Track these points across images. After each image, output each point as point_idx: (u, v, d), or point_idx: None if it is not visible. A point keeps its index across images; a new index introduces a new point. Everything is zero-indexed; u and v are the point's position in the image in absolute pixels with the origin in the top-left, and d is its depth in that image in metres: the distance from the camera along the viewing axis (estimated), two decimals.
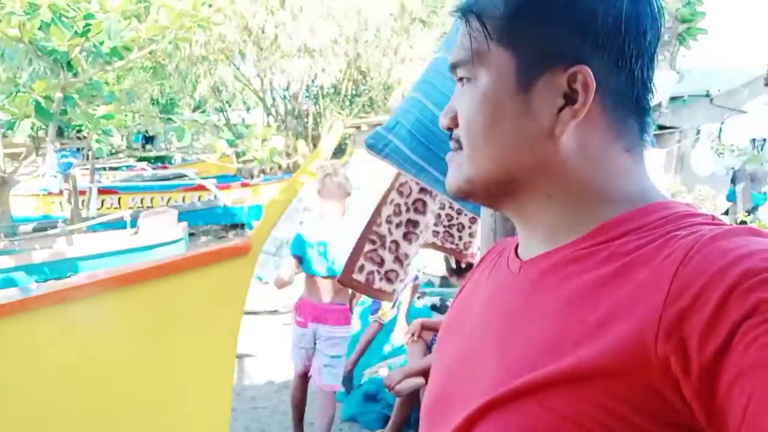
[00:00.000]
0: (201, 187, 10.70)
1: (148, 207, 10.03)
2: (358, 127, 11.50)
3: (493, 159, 0.63)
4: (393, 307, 4.14)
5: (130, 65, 6.17)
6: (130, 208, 9.63)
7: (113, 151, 7.48)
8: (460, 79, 0.66)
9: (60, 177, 6.04)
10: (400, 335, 4.28)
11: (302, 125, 14.98)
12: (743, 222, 5.46)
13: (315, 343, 3.39)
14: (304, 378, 3.47)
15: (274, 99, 15.42)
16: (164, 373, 1.87)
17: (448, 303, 3.05)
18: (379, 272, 2.03)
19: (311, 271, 3.34)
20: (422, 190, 1.97)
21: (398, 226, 2.00)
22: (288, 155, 11.59)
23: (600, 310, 0.54)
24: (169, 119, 7.59)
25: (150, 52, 5.90)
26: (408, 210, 1.99)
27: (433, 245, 2.23)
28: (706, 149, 6.13)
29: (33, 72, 5.29)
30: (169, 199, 10.93)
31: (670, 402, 0.49)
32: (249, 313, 6.06)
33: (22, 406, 1.65)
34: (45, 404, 1.68)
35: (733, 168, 6.53)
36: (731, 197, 6.85)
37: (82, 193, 8.88)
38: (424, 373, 2.58)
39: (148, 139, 16.09)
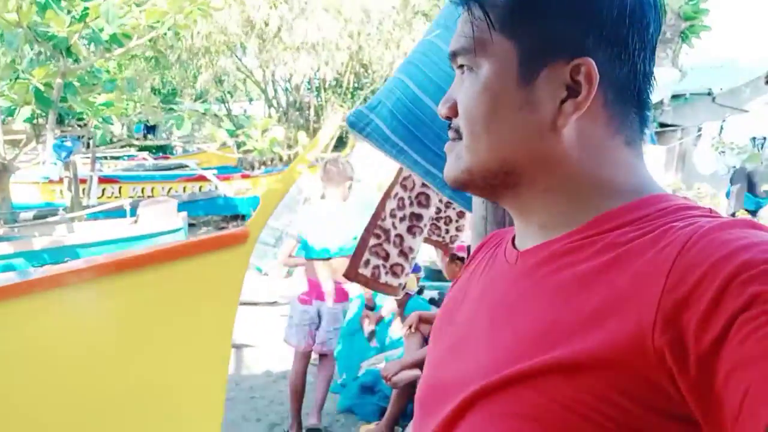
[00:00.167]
0: (202, 178, 10.69)
1: (148, 196, 10.01)
2: None
3: (493, 150, 0.62)
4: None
5: (131, 53, 6.16)
6: (131, 197, 9.62)
7: (113, 139, 7.46)
8: (460, 67, 0.65)
9: (60, 165, 6.04)
10: (397, 328, 4.29)
11: (304, 117, 14.96)
12: None
13: (318, 320, 3.65)
14: (306, 357, 3.68)
15: (275, 91, 15.40)
16: (160, 359, 1.87)
17: None
18: (384, 266, 2.04)
19: (310, 253, 3.56)
20: (425, 183, 1.97)
21: (402, 219, 2.00)
22: (289, 147, 11.57)
23: (595, 300, 0.53)
24: (171, 109, 7.59)
25: (151, 41, 5.89)
26: (411, 204, 1.99)
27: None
28: (708, 147, 6.12)
29: (33, 58, 5.28)
30: (169, 189, 10.93)
31: (667, 392, 0.48)
32: (248, 303, 6.08)
33: (17, 389, 1.66)
34: (39, 388, 1.69)
35: (734, 167, 6.53)
36: (729, 196, 6.85)
37: (83, 181, 8.88)
38: (421, 365, 2.58)
39: (150, 129, 16.08)
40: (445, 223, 2.17)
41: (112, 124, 6.33)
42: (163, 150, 16.75)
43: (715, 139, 5.86)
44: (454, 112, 0.66)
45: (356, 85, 16.01)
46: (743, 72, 7.83)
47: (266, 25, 11.42)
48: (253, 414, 3.87)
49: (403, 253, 2.02)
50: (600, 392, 0.50)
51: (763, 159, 6.00)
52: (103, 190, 10.22)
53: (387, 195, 2.03)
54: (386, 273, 2.05)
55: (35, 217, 6.46)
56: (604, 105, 0.61)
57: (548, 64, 0.59)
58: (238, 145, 9.14)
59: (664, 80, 6.88)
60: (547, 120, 0.60)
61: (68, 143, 6.02)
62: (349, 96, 15.58)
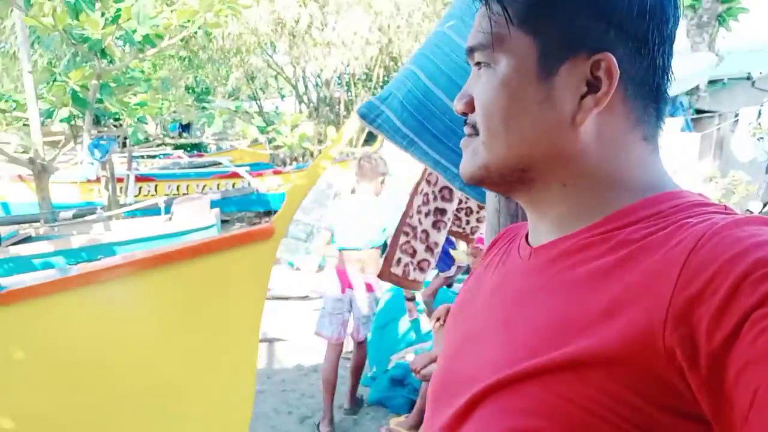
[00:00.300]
0: (235, 175, 10.81)
1: (183, 194, 10.18)
2: None
3: (512, 146, 0.62)
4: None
5: (163, 53, 6.27)
6: (167, 195, 9.78)
7: (148, 138, 7.62)
8: (477, 64, 0.65)
9: (97, 164, 6.20)
10: (426, 321, 4.31)
11: (334, 113, 15.02)
12: None
13: (350, 308, 3.82)
14: (338, 349, 3.82)
15: (306, 87, 15.49)
16: (190, 352, 1.92)
17: None
18: (412, 263, 2.05)
19: (340, 245, 3.75)
20: None
21: (427, 215, 2.01)
22: (319, 142, 11.62)
23: (607, 296, 0.53)
24: (203, 107, 7.71)
25: (183, 41, 5.98)
26: (435, 198, 2.00)
27: None
28: (746, 134, 5.94)
29: (69, 61, 5.42)
30: (204, 187, 11.07)
31: (677, 390, 0.48)
32: (280, 298, 6.15)
33: (60, 379, 1.72)
34: (79, 378, 1.75)
35: None
36: None
37: (120, 180, 9.08)
38: None
39: (185, 128, 16.35)
40: (466, 214, 2.17)
41: (146, 123, 6.47)
42: (198, 148, 17.00)
43: (752, 125, 5.68)
44: (470, 107, 0.65)
45: (386, 78, 15.99)
46: None
47: (296, 23, 11.48)
48: (285, 407, 3.93)
49: (429, 249, 2.03)
50: (609, 389, 0.50)
51: None
52: (140, 189, 10.41)
53: (414, 192, 2.04)
54: (414, 269, 2.06)
55: (75, 216, 6.64)
56: (623, 100, 0.61)
57: (568, 59, 0.59)
58: (270, 142, 9.23)
59: (701, 65, 6.69)
60: (566, 115, 0.60)
61: (104, 143, 6.17)
62: (379, 90, 15.57)
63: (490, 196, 1.33)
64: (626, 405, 0.50)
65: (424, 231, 2.02)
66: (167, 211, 6.21)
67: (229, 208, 9.72)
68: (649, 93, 0.62)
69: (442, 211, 2.00)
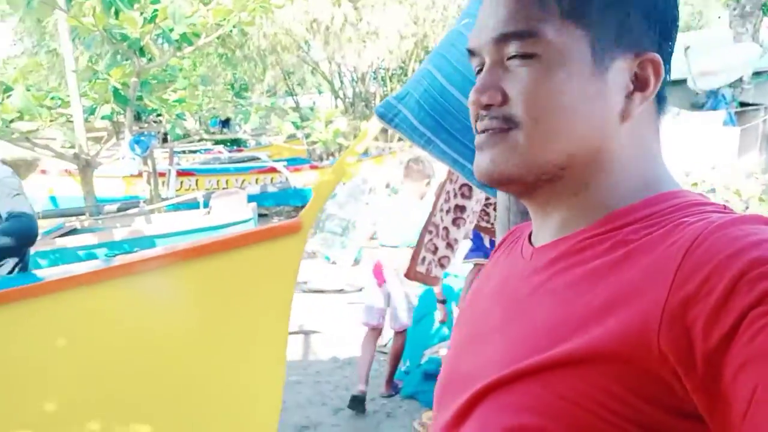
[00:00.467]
0: (273, 170, 10.97)
1: (223, 188, 10.39)
2: None
3: (561, 142, 0.60)
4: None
5: (200, 50, 6.40)
6: (207, 189, 9.99)
7: (187, 134, 7.80)
8: (514, 53, 0.61)
9: (138, 160, 6.38)
10: None
11: (369, 108, 15.07)
12: None
13: (389, 300, 3.97)
14: (375, 334, 4.04)
15: (342, 82, 15.57)
16: (221, 342, 1.97)
17: None
18: (434, 260, 2.07)
19: (381, 242, 3.98)
20: None
21: (448, 212, 2.03)
22: (354, 137, 11.70)
23: (604, 295, 0.54)
24: (239, 104, 7.85)
25: (220, 39, 6.09)
26: (456, 195, 2.01)
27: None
28: None
29: (110, 59, 5.59)
30: (243, 181, 11.27)
31: (672, 388, 0.48)
32: (316, 291, 6.24)
33: (97, 366, 1.79)
34: (114, 366, 1.82)
35: None
36: None
37: (162, 174, 9.32)
38: None
39: (224, 123, 16.63)
40: (495, 209, 2.17)
41: (185, 119, 6.62)
42: (238, 143, 17.27)
43: None
44: (502, 99, 0.61)
45: None
46: None
47: (331, 22, 11.55)
48: (319, 398, 3.99)
49: (449, 245, 2.05)
50: (605, 387, 0.50)
51: None
52: (181, 183, 10.66)
53: (440, 191, 2.06)
54: (435, 266, 2.08)
55: (119, 209, 6.85)
56: (655, 100, 0.63)
57: (620, 55, 0.60)
58: (306, 137, 9.34)
59: (744, 56, 6.49)
60: (615, 113, 0.60)
61: (144, 139, 6.35)
62: None
63: (501, 194, 1.33)
64: (622, 402, 0.50)
65: (445, 228, 2.04)
66: (206, 205, 6.35)
67: (267, 202, 9.88)
68: (665, 92, 0.64)
69: (462, 208, 2.01)
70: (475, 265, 4.55)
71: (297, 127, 7.76)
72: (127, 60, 5.54)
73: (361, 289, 6.16)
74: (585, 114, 0.60)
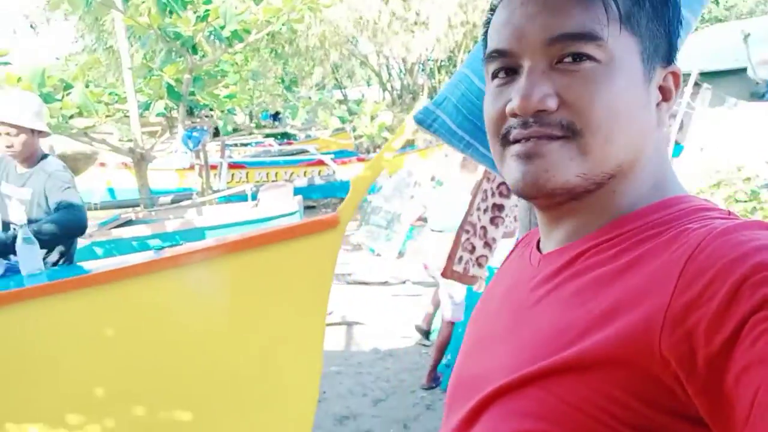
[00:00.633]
0: (321, 162, 11.09)
1: (272, 181, 10.59)
2: None
3: (618, 149, 0.59)
4: None
5: (251, 47, 6.54)
6: (257, 182, 10.19)
7: (237, 128, 7.99)
8: (570, 57, 0.59)
9: (190, 153, 6.58)
10: None
11: (417, 100, 15.04)
12: None
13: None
14: (448, 326, 4.10)
15: (389, 75, 15.59)
16: (259, 335, 2.03)
17: None
18: (471, 259, 2.08)
19: (431, 227, 4.17)
20: None
21: (485, 211, 2.03)
22: None
23: (608, 301, 0.54)
24: (288, 98, 7.99)
25: (271, 36, 6.21)
26: (494, 194, 2.01)
27: None
28: None
29: (165, 56, 5.78)
30: (291, 174, 11.44)
31: (674, 393, 0.49)
32: (360, 283, 6.31)
33: (141, 356, 1.89)
34: (158, 356, 1.91)
35: None
36: None
37: (214, 167, 9.57)
38: None
39: (275, 116, 16.90)
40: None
41: (235, 114, 6.78)
42: (288, 136, 17.54)
43: None
44: (558, 104, 0.59)
45: None
46: None
47: (378, 19, 11.57)
48: (360, 389, 4.05)
49: (487, 244, 2.05)
50: (607, 391, 0.51)
51: None
52: (233, 175, 10.90)
53: (476, 189, 2.06)
54: (473, 265, 2.09)
55: (173, 201, 7.09)
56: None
57: (657, 66, 0.62)
58: (353, 130, 9.42)
59: None
60: (654, 121, 0.62)
61: (197, 134, 6.55)
62: None
63: None
64: (624, 407, 0.50)
65: (483, 227, 2.04)
66: (254, 197, 6.50)
67: (314, 194, 10.01)
68: None
69: (500, 207, 2.01)
70: None
71: (343, 122, 7.85)
72: (180, 57, 5.72)
73: (404, 282, 6.21)
74: (638, 122, 0.60)
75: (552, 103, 0.58)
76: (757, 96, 7.40)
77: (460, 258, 2.09)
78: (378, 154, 2.24)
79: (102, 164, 10.38)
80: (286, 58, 12.17)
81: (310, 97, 8.35)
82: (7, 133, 2.61)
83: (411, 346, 4.71)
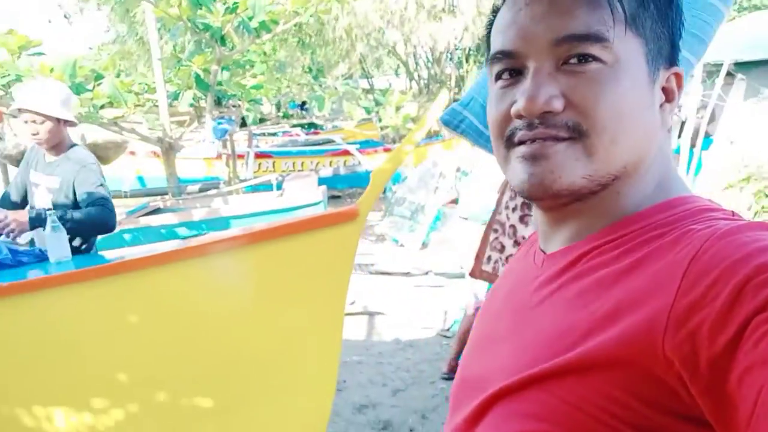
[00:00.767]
0: (346, 152, 11.14)
1: (299, 170, 10.67)
2: None
3: (624, 150, 0.59)
4: None
5: (278, 37, 6.60)
6: (283, 171, 10.27)
7: (263, 118, 8.07)
8: (576, 58, 0.59)
9: (217, 143, 6.67)
10: None
11: (445, 90, 14.96)
12: None
13: None
14: (469, 318, 4.16)
15: (417, 64, 15.52)
16: (280, 324, 2.06)
17: None
18: (501, 259, 2.08)
19: (461, 214, 4.31)
20: None
21: (514, 209, 2.02)
22: None
23: (611, 302, 0.54)
24: (313, 88, 8.04)
25: (298, 27, 6.25)
26: None
27: None
28: None
29: (194, 46, 5.86)
30: (317, 163, 11.50)
31: (677, 394, 0.49)
32: (382, 273, 6.33)
33: (164, 343, 1.94)
34: (181, 343, 1.96)
35: None
36: None
37: (241, 157, 9.68)
38: None
39: (302, 106, 16.98)
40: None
41: (261, 104, 6.85)
42: (315, 126, 17.61)
43: None
44: (564, 106, 0.59)
45: None
46: None
47: (404, 9, 11.51)
48: (380, 378, 4.09)
49: (516, 243, 2.05)
50: (610, 393, 0.51)
51: None
52: (259, 165, 11.00)
53: (503, 189, 2.05)
54: (503, 265, 2.09)
55: (201, 190, 7.21)
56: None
57: (661, 68, 0.62)
58: (379, 120, 9.43)
59: None
60: (658, 122, 0.62)
61: (224, 124, 6.64)
62: None
63: None
64: (627, 408, 0.50)
65: (512, 226, 2.03)
66: (279, 187, 6.57)
67: (339, 184, 10.07)
68: None
69: (530, 206, 2.00)
70: None
71: (368, 112, 7.88)
72: (209, 48, 5.80)
73: (427, 273, 6.22)
74: (643, 123, 0.60)
75: (558, 105, 0.58)
76: None
77: (489, 257, 2.09)
78: (398, 147, 2.25)
79: (132, 153, 10.55)
80: (313, 48, 12.21)
81: (336, 88, 8.38)
82: (33, 121, 2.63)
83: (432, 337, 4.73)
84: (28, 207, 2.87)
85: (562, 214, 0.65)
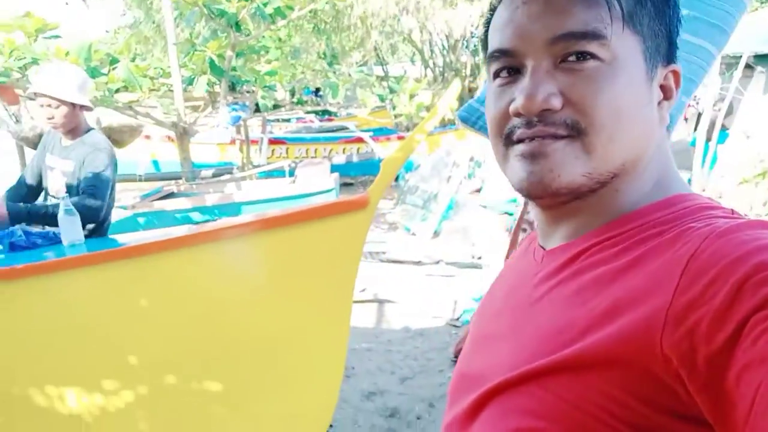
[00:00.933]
0: (360, 140, 11.11)
1: (312, 157, 10.67)
2: None
3: (622, 148, 0.60)
4: None
5: (293, 23, 6.59)
6: (296, 157, 10.28)
7: (276, 105, 8.07)
8: (574, 55, 0.59)
9: (231, 128, 6.69)
10: None
11: (459, 77, 14.88)
12: None
13: None
14: None
15: (432, 51, 15.43)
16: (289, 311, 2.08)
17: None
18: None
19: (482, 203, 4.27)
20: None
21: None
22: None
23: (609, 300, 0.54)
24: (328, 75, 8.03)
25: (313, 13, 6.23)
26: None
27: None
28: None
29: (210, 32, 5.87)
30: (330, 150, 11.49)
31: (675, 392, 0.49)
32: (394, 261, 6.34)
33: (175, 327, 1.97)
34: (193, 328, 1.98)
35: None
36: None
37: (254, 142, 9.70)
38: None
39: (317, 92, 16.95)
40: None
41: (275, 91, 6.86)
42: (329, 112, 17.58)
43: None
44: (562, 104, 0.59)
45: None
46: None
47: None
48: (388, 366, 4.11)
49: None
50: (607, 391, 0.51)
51: None
52: (273, 151, 11.01)
53: None
54: None
55: (214, 175, 7.24)
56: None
57: (659, 65, 0.62)
58: (393, 107, 9.40)
59: None
60: (656, 120, 0.62)
61: (238, 110, 6.66)
62: None
63: None
64: (624, 406, 0.50)
65: None
66: (291, 174, 6.59)
67: (352, 171, 10.06)
68: None
69: None
70: None
71: (382, 100, 7.86)
72: (224, 33, 5.80)
73: (438, 262, 6.22)
74: (642, 121, 0.60)
75: (556, 103, 0.58)
76: None
77: None
78: (409, 136, 2.24)
79: (147, 137, 10.59)
80: (328, 34, 12.17)
81: (350, 75, 8.36)
82: (48, 105, 2.65)
83: (441, 326, 4.74)
84: (3, 195, 2.88)
85: (561, 212, 0.65)
